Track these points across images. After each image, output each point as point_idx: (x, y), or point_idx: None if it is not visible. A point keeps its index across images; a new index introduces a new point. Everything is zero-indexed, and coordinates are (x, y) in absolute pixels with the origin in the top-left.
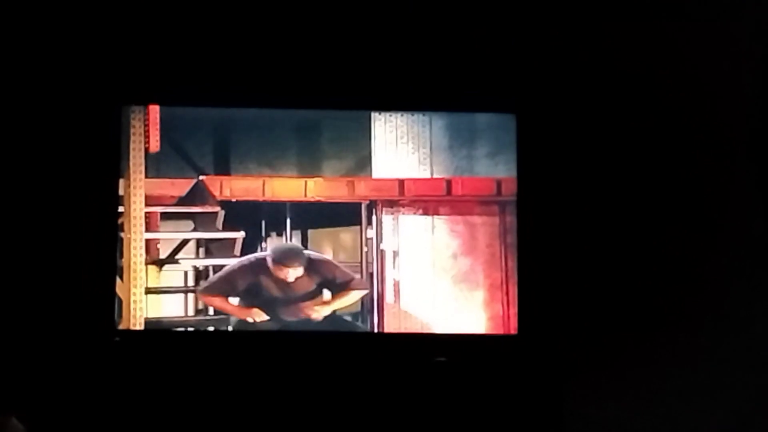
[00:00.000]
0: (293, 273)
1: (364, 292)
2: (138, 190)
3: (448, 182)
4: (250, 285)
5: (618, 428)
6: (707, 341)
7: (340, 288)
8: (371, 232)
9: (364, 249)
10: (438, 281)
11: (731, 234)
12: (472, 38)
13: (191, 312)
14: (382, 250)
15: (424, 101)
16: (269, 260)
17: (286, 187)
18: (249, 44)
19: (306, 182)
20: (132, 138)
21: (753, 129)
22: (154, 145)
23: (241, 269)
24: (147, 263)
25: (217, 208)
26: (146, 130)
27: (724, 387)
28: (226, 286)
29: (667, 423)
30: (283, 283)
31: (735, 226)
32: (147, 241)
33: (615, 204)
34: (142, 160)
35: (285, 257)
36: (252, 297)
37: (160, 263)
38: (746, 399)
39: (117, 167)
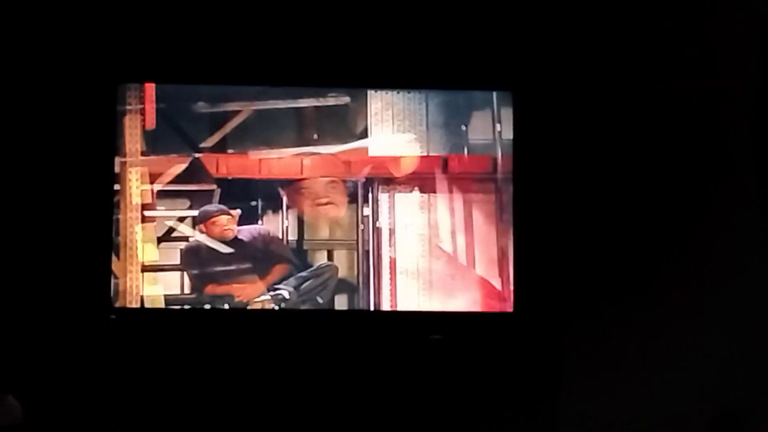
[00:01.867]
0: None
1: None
2: (134, 168)
3: (445, 160)
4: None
5: (614, 409)
6: (705, 321)
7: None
8: (367, 210)
9: (360, 227)
10: (434, 259)
11: (731, 216)
12: (469, 17)
13: (187, 290)
14: (378, 228)
15: (422, 79)
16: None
17: (282, 165)
18: (246, 21)
19: (302, 160)
20: (128, 116)
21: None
22: (150, 123)
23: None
24: (143, 241)
25: (213, 186)
26: (142, 108)
27: (717, 354)
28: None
29: (664, 404)
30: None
31: (735, 208)
32: (143, 218)
33: (612, 183)
34: (139, 138)
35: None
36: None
37: (156, 241)
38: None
39: (113, 145)
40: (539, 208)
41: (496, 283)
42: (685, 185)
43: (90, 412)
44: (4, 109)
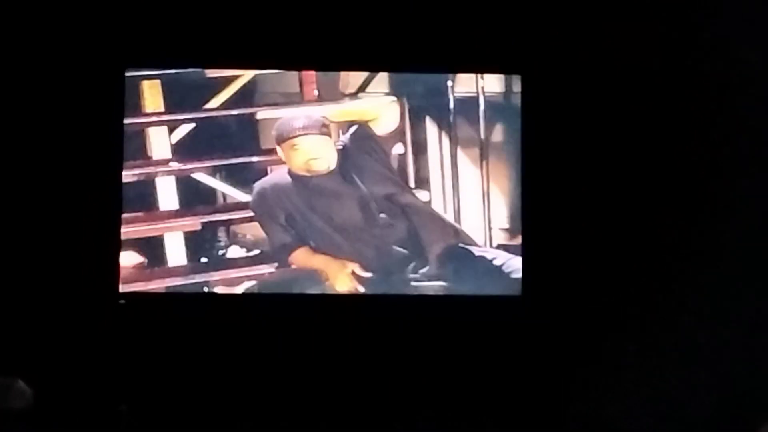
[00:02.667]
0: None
1: None
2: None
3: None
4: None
5: (620, 399)
6: (709, 306)
7: None
8: None
9: None
10: None
11: (740, 208)
12: (481, 3)
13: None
14: None
15: (430, 62)
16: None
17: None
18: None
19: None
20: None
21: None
22: None
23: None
24: None
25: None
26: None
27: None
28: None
29: (671, 393)
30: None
31: (742, 200)
32: None
33: (622, 170)
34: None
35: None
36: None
37: None
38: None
39: (120, 131)
40: (547, 193)
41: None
42: (694, 172)
43: (99, 396)
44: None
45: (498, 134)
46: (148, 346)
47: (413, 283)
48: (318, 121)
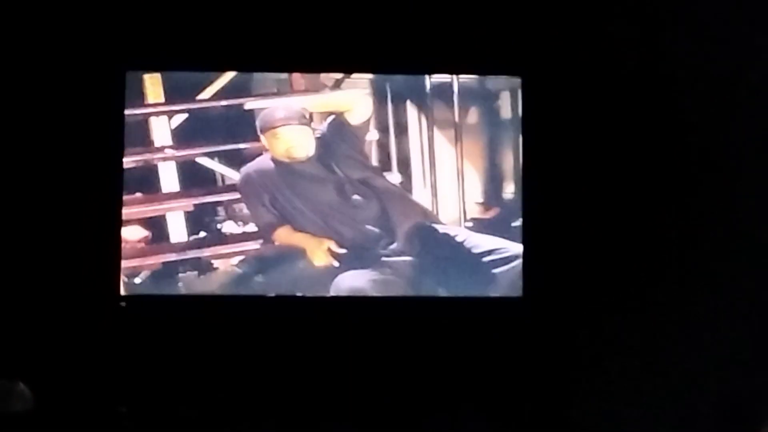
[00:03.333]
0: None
1: None
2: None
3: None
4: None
5: (623, 397)
6: (708, 310)
7: None
8: None
9: None
10: None
11: (742, 210)
12: (481, 4)
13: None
14: None
15: (431, 64)
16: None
17: None
18: (249, 8)
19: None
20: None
21: None
22: None
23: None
24: None
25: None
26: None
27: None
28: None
29: (672, 393)
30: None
31: (744, 202)
32: None
33: (622, 172)
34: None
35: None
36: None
37: None
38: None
39: (121, 132)
40: (548, 193)
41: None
42: (695, 173)
43: (99, 398)
44: (12, 95)
45: (472, 116)
46: (148, 348)
47: (383, 258)
48: (297, 112)
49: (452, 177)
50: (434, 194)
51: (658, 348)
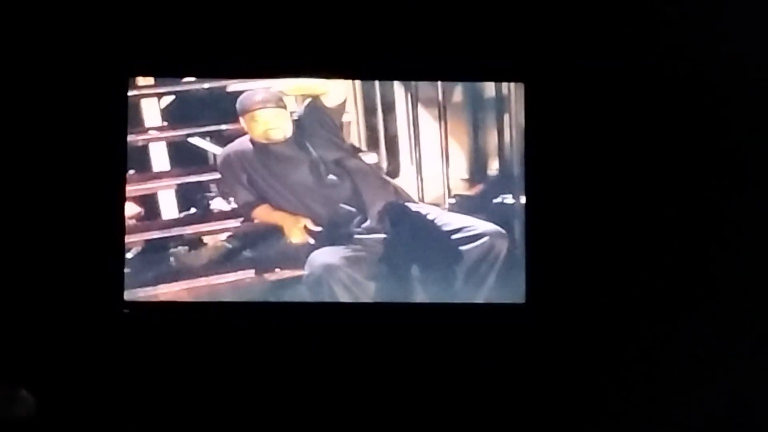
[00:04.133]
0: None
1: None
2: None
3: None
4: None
5: (625, 405)
6: (716, 315)
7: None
8: None
9: None
10: None
11: (746, 214)
12: (484, 10)
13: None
14: None
15: (432, 70)
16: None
17: None
18: (255, 14)
19: None
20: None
21: None
22: None
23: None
24: None
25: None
26: None
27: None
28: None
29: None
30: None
31: (748, 205)
32: None
33: (626, 176)
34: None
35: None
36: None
37: None
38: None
39: (124, 136)
40: (551, 198)
41: None
42: (699, 177)
43: (103, 406)
44: (13, 100)
45: (456, 95)
46: (151, 354)
47: (356, 236)
48: (275, 95)
49: (437, 154)
50: (419, 171)
51: (662, 354)
